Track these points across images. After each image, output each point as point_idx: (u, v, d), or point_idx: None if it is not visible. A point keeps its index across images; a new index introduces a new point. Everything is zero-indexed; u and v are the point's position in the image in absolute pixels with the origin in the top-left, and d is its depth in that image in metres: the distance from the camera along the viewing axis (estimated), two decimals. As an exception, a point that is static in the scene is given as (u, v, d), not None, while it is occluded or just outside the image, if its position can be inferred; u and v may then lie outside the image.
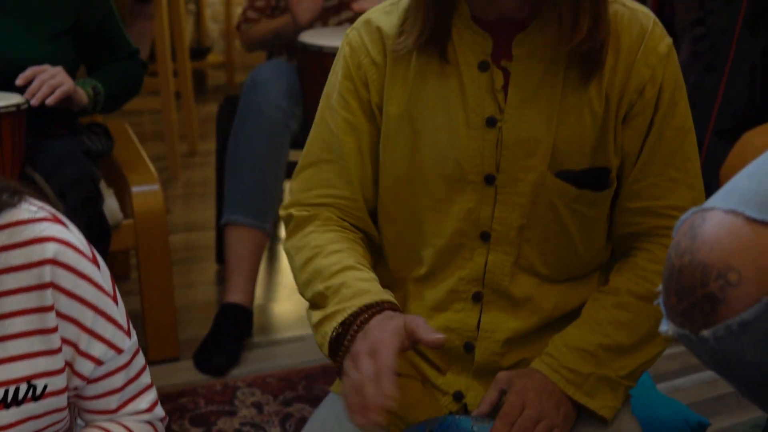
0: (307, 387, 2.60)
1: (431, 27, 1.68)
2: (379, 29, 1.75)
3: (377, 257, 1.85)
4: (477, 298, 1.76)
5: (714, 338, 1.08)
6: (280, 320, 3.16)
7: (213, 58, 6.28)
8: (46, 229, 1.41)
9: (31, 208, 1.42)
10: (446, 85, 1.70)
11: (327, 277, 1.67)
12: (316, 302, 1.69)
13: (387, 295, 1.63)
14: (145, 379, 1.57)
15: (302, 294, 1.74)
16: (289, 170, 3.00)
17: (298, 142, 2.99)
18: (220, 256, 3.39)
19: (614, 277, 1.76)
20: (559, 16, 1.61)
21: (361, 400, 1.48)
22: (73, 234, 1.43)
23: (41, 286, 1.39)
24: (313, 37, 2.93)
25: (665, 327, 1.14)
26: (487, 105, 1.69)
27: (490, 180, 1.70)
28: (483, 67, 1.69)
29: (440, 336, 1.52)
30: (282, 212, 1.82)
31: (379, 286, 1.66)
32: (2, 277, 1.38)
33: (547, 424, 1.62)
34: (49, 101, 2.32)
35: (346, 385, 1.52)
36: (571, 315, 1.76)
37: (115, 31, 2.71)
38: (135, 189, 2.70)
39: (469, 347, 1.77)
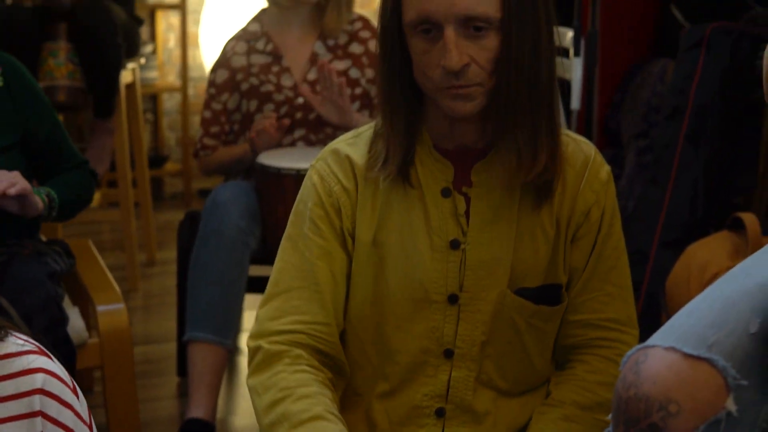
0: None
1: (402, 154, 1.79)
2: (348, 157, 1.85)
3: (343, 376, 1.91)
4: (440, 413, 1.85)
5: None
6: (242, 433, 3.21)
7: (170, 166, 6.35)
8: (34, 361, 1.50)
9: (17, 341, 1.51)
10: (411, 210, 1.81)
11: (296, 424, 1.72)
12: None
13: None
14: None
15: (263, 430, 1.79)
16: (249, 285, 3.08)
17: (257, 258, 3.07)
18: (182, 369, 3.44)
19: (556, 389, 1.86)
20: (518, 150, 1.72)
21: None
22: (57, 365, 1.51)
23: (31, 414, 1.49)
24: (271, 159, 3.04)
25: None
26: (451, 229, 1.79)
27: (453, 299, 1.80)
28: (445, 193, 1.79)
29: None
30: (250, 343, 1.86)
31: None
32: None
33: None
34: (10, 191, 2.37)
35: None
36: (522, 428, 1.86)
37: (63, 142, 2.79)
38: (100, 308, 2.75)
39: (429, 463, 1.84)
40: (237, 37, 3.37)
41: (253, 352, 1.84)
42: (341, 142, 1.89)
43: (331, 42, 3.29)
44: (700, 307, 1.27)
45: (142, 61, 5.40)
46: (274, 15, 3.32)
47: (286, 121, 3.18)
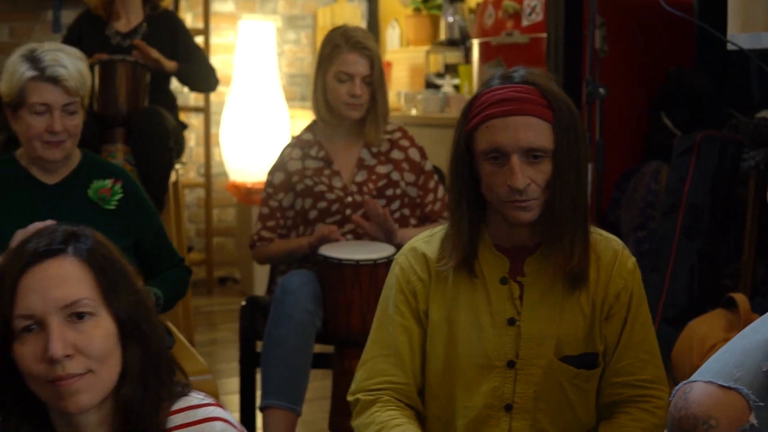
0: None
1: (465, 253, 2.30)
2: (424, 255, 2.36)
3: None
4: (504, 459, 2.33)
5: None
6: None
7: (194, 255, 6.81)
8: (213, 411, 1.90)
9: (198, 395, 1.94)
10: (475, 295, 2.31)
11: None
12: None
13: None
14: None
15: None
16: (316, 360, 3.58)
17: (320, 337, 3.57)
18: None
19: None
20: (562, 248, 2.25)
21: None
22: (230, 416, 1.96)
23: None
24: (331, 251, 3.53)
25: None
26: (508, 309, 2.29)
27: (511, 365, 2.29)
28: (503, 281, 2.30)
29: None
30: (350, 397, 2.37)
31: None
32: None
33: None
34: None
35: None
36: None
37: (165, 245, 3.29)
38: (192, 379, 3.19)
39: (500, 501, 2.33)
40: (292, 145, 3.87)
41: (353, 404, 2.37)
42: (419, 241, 2.41)
43: (374, 149, 3.79)
44: (725, 355, 1.84)
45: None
46: (324, 127, 3.83)
47: (338, 236, 3.66)
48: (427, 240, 2.41)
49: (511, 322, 2.29)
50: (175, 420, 1.88)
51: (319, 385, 4.25)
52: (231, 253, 7.11)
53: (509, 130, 2.18)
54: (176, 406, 1.89)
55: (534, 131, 2.19)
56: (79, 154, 3.18)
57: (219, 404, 1.94)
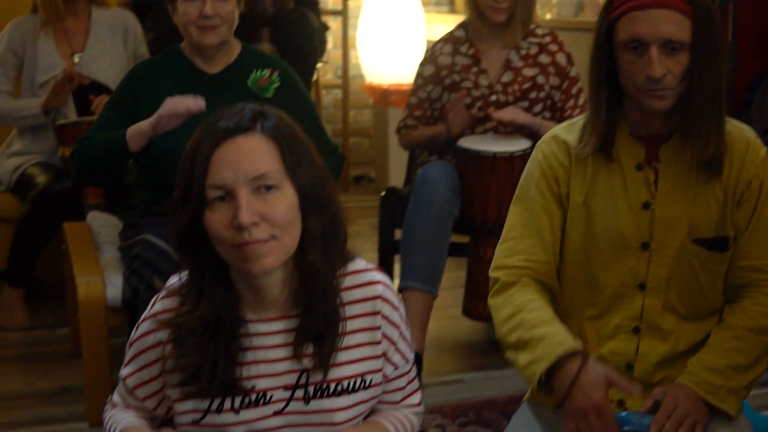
0: (476, 414, 3.32)
1: (603, 140, 2.44)
2: (565, 142, 2.51)
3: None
4: (636, 330, 2.47)
5: None
6: (439, 366, 3.91)
7: (330, 155, 7.00)
8: (375, 275, 2.12)
9: (362, 262, 2.14)
10: (612, 181, 2.45)
11: (531, 327, 2.39)
12: (518, 346, 2.40)
13: (577, 345, 2.34)
14: (416, 383, 2.27)
15: (503, 338, 2.45)
16: (452, 248, 3.77)
17: (457, 226, 3.74)
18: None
19: (729, 317, 2.46)
20: (696, 138, 2.37)
21: None
22: (389, 280, 2.16)
23: (374, 314, 2.10)
24: (470, 143, 3.70)
25: None
26: (643, 194, 2.43)
27: (645, 246, 2.44)
28: (639, 167, 2.43)
29: (637, 388, 2.29)
30: (491, 274, 2.53)
31: (570, 336, 2.36)
32: (350, 307, 2.08)
33: (692, 420, 2.30)
34: None
35: (577, 430, 2.26)
36: (700, 345, 2.46)
37: (320, 133, 3.50)
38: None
39: (629, 366, 2.48)
40: (444, 40, 4.03)
41: (493, 281, 2.53)
42: (560, 129, 2.56)
43: (523, 51, 3.93)
44: None
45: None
46: (475, 26, 3.96)
47: (474, 111, 3.83)
48: (567, 128, 2.55)
49: (646, 205, 2.43)
50: (345, 282, 2.10)
51: (452, 275, 4.44)
52: (367, 153, 7.30)
53: (650, 22, 2.30)
54: (346, 270, 2.11)
55: (673, 24, 2.30)
56: (238, 46, 3.37)
57: (381, 270, 2.15)
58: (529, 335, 2.38)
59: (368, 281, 2.11)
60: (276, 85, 3.33)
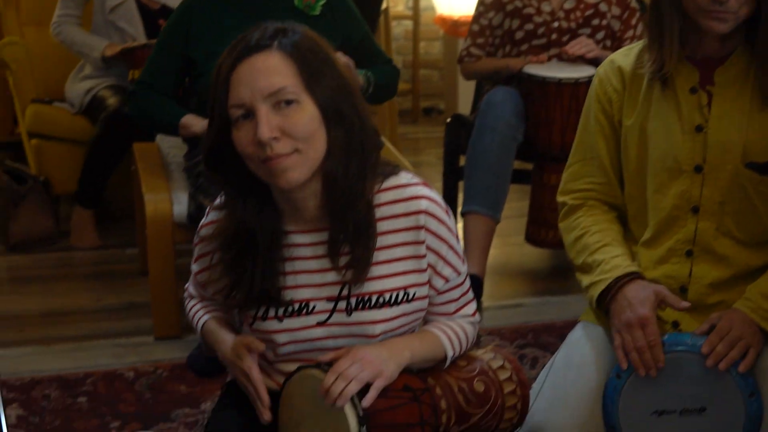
0: (534, 338, 3.37)
1: (659, 63, 2.45)
2: (620, 67, 2.52)
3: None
4: (689, 254, 2.49)
5: None
6: (500, 291, 3.97)
7: (400, 86, 7.03)
8: (420, 190, 2.14)
9: (407, 175, 2.17)
10: (666, 104, 2.46)
11: (592, 251, 2.45)
12: (583, 269, 2.47)
13: (632, 267, 2.39)
14: (470, 294, 2.33)
15: (572, 260, 2.52)
16: (513, 175, 3.81)
17: (521, 152, 3.77)
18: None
19: None
20: (753, 60, 2.37)
21: (640, 359, 2.31)
22: (436, 194, 2.19)
23: (417, 228, 2.12)
24: (534, 69, 3.71)
25: None
26: (696, 117, 2.43)
27: (698, 169, 2.44)
28: (693, 90, 2.44)
29: (686, 304, 2.34)
30: (559, 198, 2.59)
31: (627, 259, 2.42)
32: (391, 221, 2.11)
33: (745, 343, 2.31)
34: None
35: (623, 344, 2.33)
36: (756, 270, 2.46)
37: (372, 46, 3.55)
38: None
39: (683, 289, 2.49)
40: (507, -33, 4.03)
41: (561, 205, 2.59)
42: (617, 54, 2.57)
43: (587, -21, 3.93)
44: None
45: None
46: None
47: (544, 57, 3.84)
48: (625, 53, 2.56)
49: (699, 129, 2.43)
50: (385, 197, 2.13)
51: (517, 205, 4.48)
52: (437, 84, 7.31)
53: None
54: (387, 184, 2.14)
55: None
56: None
57: (426, 184, 2.18)
58: (591, 259, 2.45)
59: (411, 196, 2.13)
60: (323, 2, 3.38)
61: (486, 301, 3.76)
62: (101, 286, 4.06)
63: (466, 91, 6.19)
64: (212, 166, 2.09)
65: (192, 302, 2.31)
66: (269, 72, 1.98)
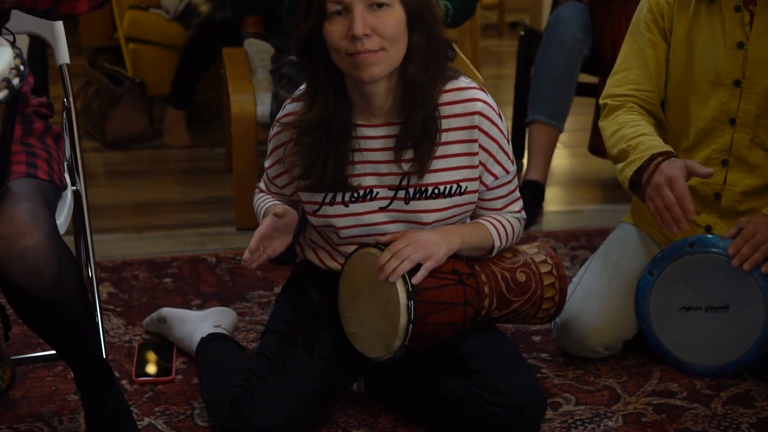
0: (587, 241, 3.57)
1: None
2: None
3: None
4: (724, 163, 2.68)
5: None
6: (561, 198, 4.16)
7: (487, 0, 7.16)
8: (477, 93, 2.37)
9: (467, 80, 2.39)
10: (712, 20, 2.63)
11: (628, 139, 2.63)
12: (619, 157, 2.65)
13: (668, 148, 2.57)
14: (518, 192, 2.52)
15: (609, 152, 2.70)
16: (579, 89, 3.97)
17: (588, 66, 3.94)
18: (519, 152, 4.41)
19: None
20: None
21: (671, 216, 2.49)
22: (490, 98, 2.39)
23: (472, 127, 2.36)
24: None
25: None
26: (738, 34, 2.61)
27: (737, 83, 2.62)
28: (737, 9, 2.60)
29: (711, 170, 2.51)
30: (601, 101, 2.78)
31: (663, 143, 2.60)
32: (449, 120, 2.35)
33: None
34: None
35: (655, 206, 2.50)
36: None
37: None
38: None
39: (717, 196, 2.69)
40: None
41: (603, 107, 2.78)
42: None
43: None
44: None
45: None
46: None
47: None
48: None
49: (740, 45, 2.61)
50: (446, 97, 2.37)
51: (583, 118, 4.64)
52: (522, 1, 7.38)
53: None
54: (448, 87, 2.38)
55: None
56: None
57: (482, 89, 2.40)
58: (626, 145, 2.63)
59: (469, 98, 2.37)
60: None
61: (547, 206, 3.96)
62: (190, 180, 4.31)
63: (550, 6, 6.28)
64: (302, 54, 2.31)
65: (260, 195, 2.54)
66: None
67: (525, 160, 4.19)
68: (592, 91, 4.10)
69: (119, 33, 5.05)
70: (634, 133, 2.65)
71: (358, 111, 2.35)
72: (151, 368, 2.74)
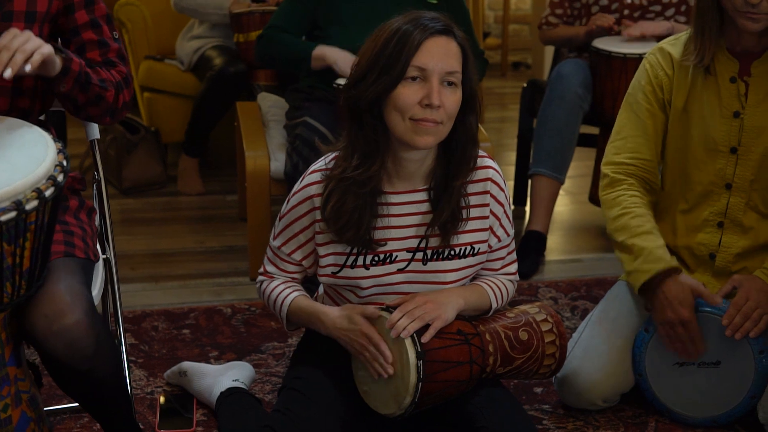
0: (586, 291, 3.70)
1: (704, 54, 2.75)
2: (669, 54, 2.82)
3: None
4: (720, 225, 2.81)
5: None
6: (561, 246, 4.28)
7: (490, 40, 7.29)
8: (487, 161, 2.52)
9: (480, 152, 2.53)
10: (709, 91, 2.77)
11: (632, 235, 2.76)
12: (624, 249, 2.78)
13: (673, 262, 2.71)
14: (515, 255, 2.65)
15: (611, 234, 2.83)
16: (580, 139, 4.11)
17: (588, 119, 4.07)
18: (521, 199, 4.56)
19: None
20: None
21: (684, 348, 2.69)
22: (497, 164, 2.53)
23: (484, 193, 2.51)
24: (602, 44, 4.00)
25: None
26: (734, 104, 2.74)
27: (733, 150, 2.76)
28: (732, 80, 2.74)
29: (719, 299, 2.67)
30: (602, 168, 2.90)
31: (667, 252, 2.73)
32: (469, 186, 2.49)
33: (761, 311, 2.64)
34: None
35: (668, 336, 2.69)
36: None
37: (472, 36, 3.71)
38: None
39: (712, 256, 2.82)
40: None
41: (603, 176, 2.90)
42: (665, 43, 2.87)
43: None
44: None
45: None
46: None
47: (612, 24, 4.09)
48: (672, 42, 2.87)
49: (736, 114, 2.75)
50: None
51: (583, 164, 4.77)
52: (526, 39, 7.56)
53: None
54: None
55: None
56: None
57: (491, 157, 2.56)
58: (631, 242, 2.76)
59: (483, 166, 2.52)
60: None
61: (548, 254, 4.10)
62: (204, 229, 4.43)
63: (553, 48, 6.41)
64: (359, 111, 2.41)
65: (268, 283, 2.63)
66: (451, 55, 2.37)
67: (527, 207, 4.32)
68: (593, 142, 4.25)
69: (135, 82, 5.13)
70: (639, 228, 2.78)
71: (386, 177, 2.48)
72: (173, 420, 2.88)
